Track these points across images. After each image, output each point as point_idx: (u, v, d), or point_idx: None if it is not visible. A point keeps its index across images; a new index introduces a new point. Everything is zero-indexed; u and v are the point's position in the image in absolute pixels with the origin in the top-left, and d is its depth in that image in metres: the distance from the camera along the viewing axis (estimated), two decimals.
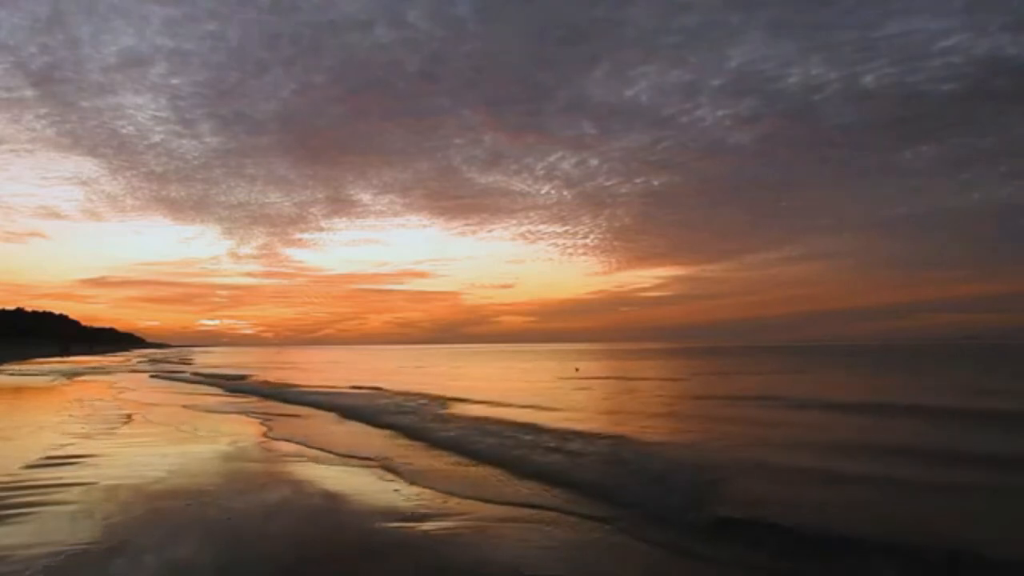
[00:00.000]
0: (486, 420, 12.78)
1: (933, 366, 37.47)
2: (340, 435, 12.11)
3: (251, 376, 32.23)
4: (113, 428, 12.94)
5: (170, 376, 34.36)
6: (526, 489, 7.51)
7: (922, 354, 56.50)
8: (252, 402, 19.35)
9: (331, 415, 15.50)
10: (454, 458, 9.53)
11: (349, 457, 9.69)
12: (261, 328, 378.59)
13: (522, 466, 8.64)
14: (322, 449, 10.40)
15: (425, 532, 5.88)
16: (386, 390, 21.26)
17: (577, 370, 36.74)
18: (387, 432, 12.43)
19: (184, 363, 53.50)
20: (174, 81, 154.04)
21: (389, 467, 8.81)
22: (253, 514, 6.51)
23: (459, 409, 15.26)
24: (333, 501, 7.06)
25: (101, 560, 5.08)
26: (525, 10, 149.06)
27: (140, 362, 58.17)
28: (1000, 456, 8.86)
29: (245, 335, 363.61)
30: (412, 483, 7.85)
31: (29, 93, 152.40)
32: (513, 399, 17.65)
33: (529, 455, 9.22)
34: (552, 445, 9.76)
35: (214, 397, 21.31)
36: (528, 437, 10.49)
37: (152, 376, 34.66)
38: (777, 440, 10.45)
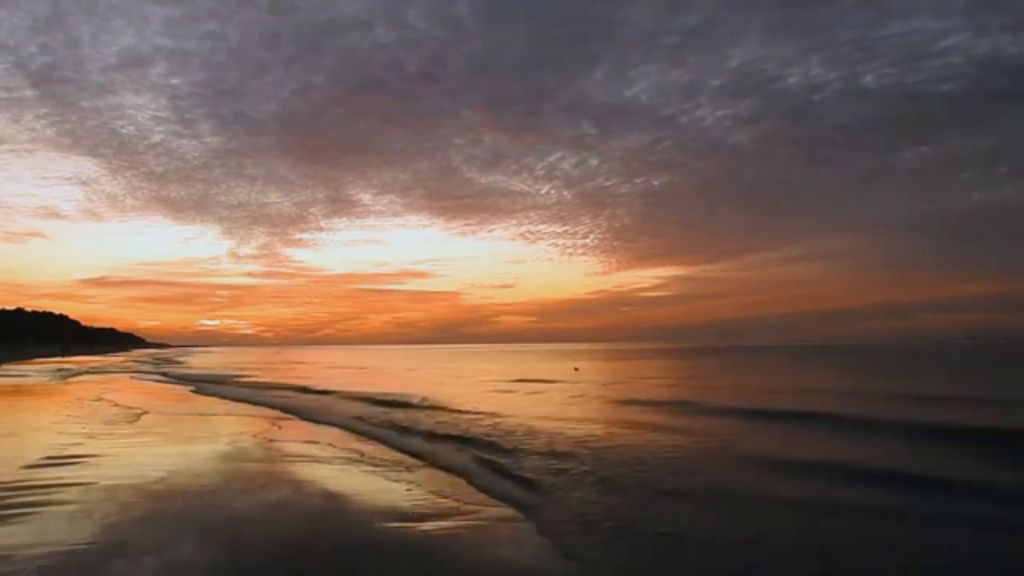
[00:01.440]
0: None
1: (917, 368, 37.58)
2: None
3: (236, 377, 32.28)
4: (110, 428, 13.00)
5: (150, 377, 34.41)
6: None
7: (919, 355, 56.73)
8: (220, 404, 19.51)
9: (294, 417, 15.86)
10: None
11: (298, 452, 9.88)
12: (261, 328, 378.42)
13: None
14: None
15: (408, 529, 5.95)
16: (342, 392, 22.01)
17: (576, 370, 36.87)
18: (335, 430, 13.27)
19: (178, 364, 53.63)
20: (174, 81, 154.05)
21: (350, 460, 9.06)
22: (250, 513, 6.57)
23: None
24: (331, 500, 7.13)
25: (101, 560, 5.13)
26: (525, 10, 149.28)
27: (135, 363, 58.34)
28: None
29: (245, 335, 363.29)
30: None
31: (29, 93, 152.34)
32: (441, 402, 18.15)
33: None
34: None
35: (179, 400, 21.46)
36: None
37: (133, 376, 34.75)
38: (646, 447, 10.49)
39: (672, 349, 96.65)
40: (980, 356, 51.41)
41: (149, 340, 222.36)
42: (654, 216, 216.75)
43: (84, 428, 12.98)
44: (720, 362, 47.91)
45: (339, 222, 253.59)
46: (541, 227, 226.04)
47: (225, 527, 6.10)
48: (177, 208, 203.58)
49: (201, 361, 63.45)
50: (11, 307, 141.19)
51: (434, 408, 16.54)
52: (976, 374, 31.73)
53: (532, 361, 55.01)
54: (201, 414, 16.37)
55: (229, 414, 16.40)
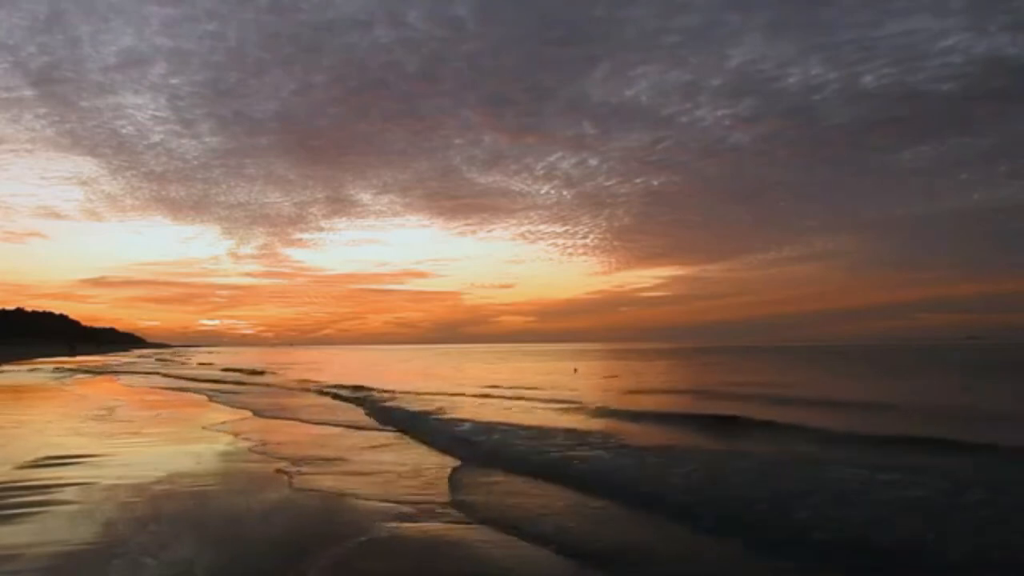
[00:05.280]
0: None
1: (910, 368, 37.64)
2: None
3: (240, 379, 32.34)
4: (110, 427, 13.01)
5: (151, 377, 34.63)
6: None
7: (918, 355, 56.92)
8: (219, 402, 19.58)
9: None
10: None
11: None
12: (261, 328, 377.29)
13: None
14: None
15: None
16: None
17: (576, 371, 36.91)
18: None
19: (179, 364, 53.75)
20: (174, 81, 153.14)
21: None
22: (251, 513, 6.56)
23: None
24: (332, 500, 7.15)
25: (101, 560, 5.13)
26: (525, 10, 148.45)
27: (138, 362, 58.62)
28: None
29: (245, 335, 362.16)
30: None
31: (28, 93, 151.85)
32: None
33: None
34: None
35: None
36: None
37: (134, 376, 34.92)
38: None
39: (665, 349, 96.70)
40: (961, 356, 51.44)
41: (149, 340, 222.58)
42: (654, 216, 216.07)
43: (85, 427, 13.00)
44: (688, 362, 48.00)
45: (339, 222, 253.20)
46: (541, 227, 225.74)
47: (225, 526, 6.11)
48: (177, 208, 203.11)
49: (202, 360, 63.81)
50: (11, 307, 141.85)
51: None
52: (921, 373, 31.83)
53: (516, 362, 55.03)
54: (201, 414, 16.38)
55: (228, 414, 16.41)
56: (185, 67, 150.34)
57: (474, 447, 10.49)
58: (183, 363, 57.31)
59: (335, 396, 20.97)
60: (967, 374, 31.27)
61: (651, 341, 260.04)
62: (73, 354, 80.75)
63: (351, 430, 13.18)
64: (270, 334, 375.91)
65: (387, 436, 12.28)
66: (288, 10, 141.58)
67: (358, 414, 16.00)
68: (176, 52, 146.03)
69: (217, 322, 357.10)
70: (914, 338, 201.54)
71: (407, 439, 11.86)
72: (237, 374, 36.01)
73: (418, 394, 20.04)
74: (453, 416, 14.07)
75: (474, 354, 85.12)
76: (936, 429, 11.23)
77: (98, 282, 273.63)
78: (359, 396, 19.99)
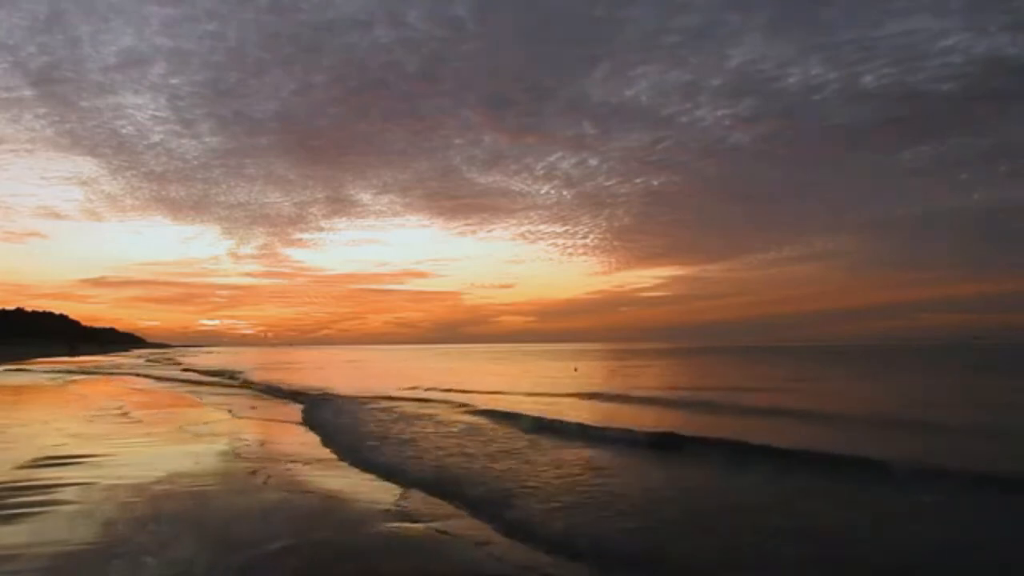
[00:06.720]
0: None
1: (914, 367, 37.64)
2: None
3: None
4: (110, 427, 13.05)
5: (153, 378, 34.67)
6: None
7: (919, 355, 57.01)
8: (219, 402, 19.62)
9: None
10: None
11: None
12: (261, 328, 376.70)
13: None
14: None
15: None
16: None
17: (576, 370, 36.99)
18: None
19: (179, 364, 53.91)
20: (174, 81, 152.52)
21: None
22: (251, 514, 6.60)
23: None
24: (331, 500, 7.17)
25: (101, 560, 5.15)
26: (525, 10, 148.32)
27: (139, 362, 58.74)
28: None
29: (245, 335, 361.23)
30: None
31: (28, 93, 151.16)
32: None
33: None
34: None
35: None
36: None
37: (135, 376, 35.01)
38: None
39: (666, 350, 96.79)
40: (948, 356, 51.50)
41: (149, 340, 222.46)
42: (654, 216, 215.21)
43: (84, 428, 13.02)
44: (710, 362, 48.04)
45: (339, 222, 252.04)
46: (541, 227, 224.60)
47: (225, 527, 6.13)
48: (177, 208, 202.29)
49: (204, 360, 63.89)
50: (11, 307, 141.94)
51: None
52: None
53: (512, 363, 55.06)
54: (200, 413, 16.41)
55: (228, 415, 16.45)
56: (185, 67, 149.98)
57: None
58: (170, 363, 58.16)
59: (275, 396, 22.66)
60: (967, 375, 31.35)
61: (651, 341, 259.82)
62: (73, 354, 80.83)
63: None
64: (270, 334, 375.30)
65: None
66: (288, 10, 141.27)
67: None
68: (176, 52, 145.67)
69: (217, 322, 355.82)
70: (914, 338, 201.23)
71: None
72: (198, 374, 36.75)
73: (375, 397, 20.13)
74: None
75: (472, 354, 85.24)
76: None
77: (98, 282, 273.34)
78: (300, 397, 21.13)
